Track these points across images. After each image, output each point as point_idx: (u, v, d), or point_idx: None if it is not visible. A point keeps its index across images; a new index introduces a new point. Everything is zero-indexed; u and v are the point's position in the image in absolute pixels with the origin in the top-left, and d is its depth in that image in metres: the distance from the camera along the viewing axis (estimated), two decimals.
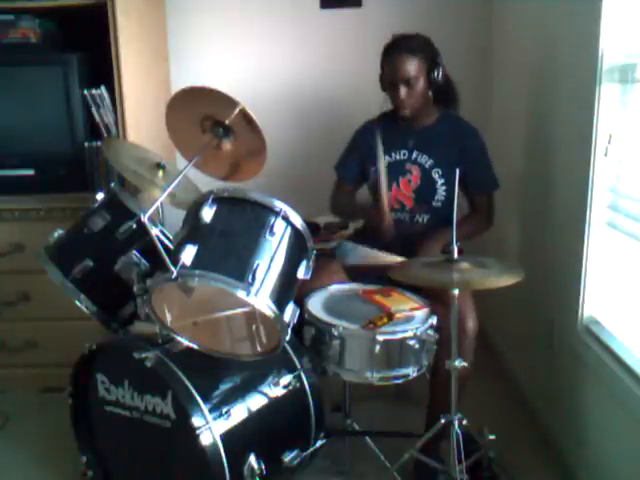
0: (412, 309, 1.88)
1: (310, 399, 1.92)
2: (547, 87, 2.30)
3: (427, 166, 2.18)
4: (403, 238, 2.17)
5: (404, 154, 2.22)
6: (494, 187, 2.25)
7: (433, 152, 2.18)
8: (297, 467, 1.87)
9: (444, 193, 2.18)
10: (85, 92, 2.45)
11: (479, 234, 2.23)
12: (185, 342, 1.73)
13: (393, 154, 2.22)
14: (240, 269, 1.56)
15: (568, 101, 2.09)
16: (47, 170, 2.53)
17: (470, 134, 2.22)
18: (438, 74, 2.13)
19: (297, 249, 1.71)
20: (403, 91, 2.11)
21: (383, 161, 2.13)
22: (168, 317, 1.70)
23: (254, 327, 1.70)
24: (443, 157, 2.18)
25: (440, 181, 2.17)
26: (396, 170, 2.22)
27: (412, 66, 2.09)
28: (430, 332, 1.80)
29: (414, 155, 2.20)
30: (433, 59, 2.13)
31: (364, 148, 2.29)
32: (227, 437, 1.68)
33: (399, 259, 1.99)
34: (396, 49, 2.13)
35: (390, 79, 2.14)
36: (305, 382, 1.91)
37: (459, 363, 1.74)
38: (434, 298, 1.93)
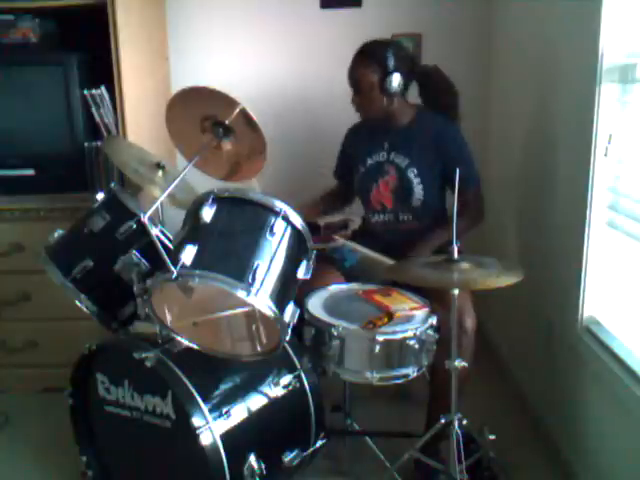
0: (412, 309, 1.88)
1: (310, 399, 1.92)
2: (547, 87, 2.30)
3: (403, 166, 2.20)
4: (393, 238, 2.18)
5: (383, 155, 2.25)
6: (476, 182, 2.24)
7: (408, 152, 2.20)
8: (297, 467, 1.87)
9: (421, 192, 2.19)
10: (85, 92, 2.45)
11: (473, 229, 2.21)
12: (185, 342, 1.73)
13: (374, 156, 2.26)
14: (240, 269, 1.56)
15: (568, 101, 2.09)
16: (47, 170, 2.53)
17: (447, 132, 2.22)
18: (391, 83, 2.12)
19: (297, 249, 1.71)
20: (355, 96, 2.19)
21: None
22: (168, 317, 1.70)
23: (254, 327, 1.71)
24: (418, 157, 2.19)
25: (416, 180, 2.19)
26: (376, 171, 2.25)
27: (361, 74, 2.14)
28: (430, 332, 1.80)
29: (391, 156, 2.23)
30: (387, 67, 2.12)
31: (349, 149, 2.38)
32: (227, 437, 1.68)
33: (390, 262, 1.99)
34: (356, 54, 2.18)
35: (350, 84, 2.20)
36: (305, 382, 1.91)
37: (459, 363, 1.74)
38: (433, 297, 1.93)
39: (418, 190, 2.19)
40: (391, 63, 2.13)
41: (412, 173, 2.18)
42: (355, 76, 2.16)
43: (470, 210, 2.19)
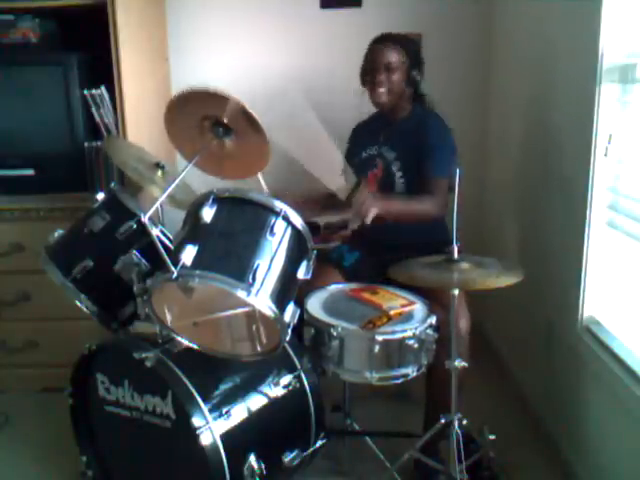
0: (403, 305, 1.89)
1: (310, 399, 1.92)
2: (547, 87, 2.30)
3: (389, 159, 2.23)
4: (379, 235, 2.15)
5: (375, 149, 2.28)
6: (443, 173, 2.13)
7: (397, 146, 2.23)
8: (297, 467, 1.87)
9: (403, 186, 2.20)
10: (85, 92, 2.45)
11: (425, 216, 2.12)
12: (185, 342, 1.72)
13: (368, 149, 2.30)
14: (240, 269, 1.56)
15: (568, 101, 2.09)
16: (47, 170, 2.53)
17: (428, 122, 2.22)
18: (417, 74, 2.20)
19: (297, 249, 1.71)
20: (382, 75, 2.18)
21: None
22: (168, 317, 1.70)
23: (254, 327, 1.70)
24: (404, 151, 2.21)
25: (398, 174, 2.21)
26: (367, 164, 2.28)
27: (394, 54, 2.18)
28: (429, 332, 1.80)
29: (382, 150, 2.26)
30: (416, 58, 2.21)
31: (351, 145, 2.43)
32: (227, 437, 1.68)
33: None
34: (382, 39, 2.22)
35: (371, 64, 2.21)
36: (305, 382, 1.91)
37: (458, 363, 1.74)
38: (430, 297, 1.93)
39: (400, 183, 2.20)
40: (418, 56, 2.23)
41: (395, 167, 2.21)
42: (387, 54, 2.17)
43: (426, 196, 2.11)
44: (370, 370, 1.77)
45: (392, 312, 1.83)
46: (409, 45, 2.23)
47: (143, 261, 1.79)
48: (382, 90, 2.19)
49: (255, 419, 1.79)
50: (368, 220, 1.91)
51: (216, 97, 1.72)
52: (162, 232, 1.87)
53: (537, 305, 2.38)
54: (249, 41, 3.03)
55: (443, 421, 1.79)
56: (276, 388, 1.84)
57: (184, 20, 3.02)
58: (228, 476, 1.67)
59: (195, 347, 1.73)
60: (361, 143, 2.34)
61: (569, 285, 2.01)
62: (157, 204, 1.65)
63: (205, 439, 1.64)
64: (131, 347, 1.76)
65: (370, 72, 2.21)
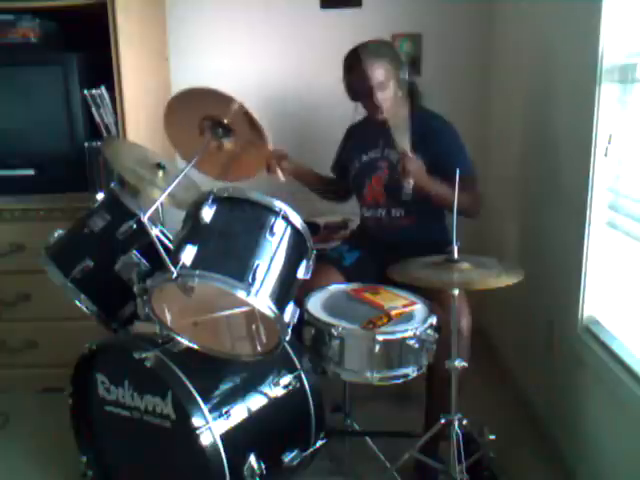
0: (405, 305, 1.89)
1: (310, 399, 1.91)
2: (547, 87, 2.30)
3: (395, 161, 2.19)
4: (390, 237, 2.18)
5: (377, 152, 2.25)
6: (470, 172, 2.16)
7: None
8: (297, 467, 1.87)
9: (410, 188, 2.17)
10: (85, 92, 2.46)
11: (469, 211, 2.11)
12: (185, 342, 1.73)
13: (370, 152, 2.26)
14: (240, 269, 1.56)
15: (568, 101, 2.09)
16: (47, 170, 2.53)
17: (439, 129, 2.20)
18: (405, 73, 2.17)
19: (297, 249, 1.71)
20: (380, 95, 2.12)
21: None
22: (168, 317, 1.70)
23: (254, 327, 1.71)
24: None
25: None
26: (370, 168, 2.26)
27: (380, 69, 2.11)
28: (430, 332, 1.80)
29: (385, 152, 2.23)
30: (398, 59, 2.18)
31: (348, 146, 2.40)
32: (227, 437, 1.68)
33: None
34: (362, 56, 2.12)
35: (364, 87, 2.13)
36: (305, 382, 1.91)
37: (459, 363, 1.74)
38: (430, 298, 1.93)
39: (407, 186, 2.18)
40: (398, 54, 2.21)
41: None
42: (375, 73, 2.09)
43: (467, 192, 2.03)
44: (371, 370, 1.77)
45: (393, 312, 1.83)
46: (387, 50, 2.17)
47: (143, 261, 1.79)
48: (384, 110, 2.14)
49: (255, 419, 1.79)
50: (408, 184, 1.99)
51: (217, 97, 1.72)
52: (162, 232, 1.87)
53: (537, 305, 2.38)
54: (249, 41, 3.03)
55: (443, 421, 1.79)
56: (276, 388, 1.84)
57: (184, 20, 3.02)
58: (228, 476, 1.67)
59: (195, 347, 1.73)
60: (360, 146, 2.30)
61: (569, 285, 2.01)
62: (157, 204, 1.65)
63: (205, 439, 1.64)
64: (131, 347, 1.76)
65: (364, 95, 2.15)
